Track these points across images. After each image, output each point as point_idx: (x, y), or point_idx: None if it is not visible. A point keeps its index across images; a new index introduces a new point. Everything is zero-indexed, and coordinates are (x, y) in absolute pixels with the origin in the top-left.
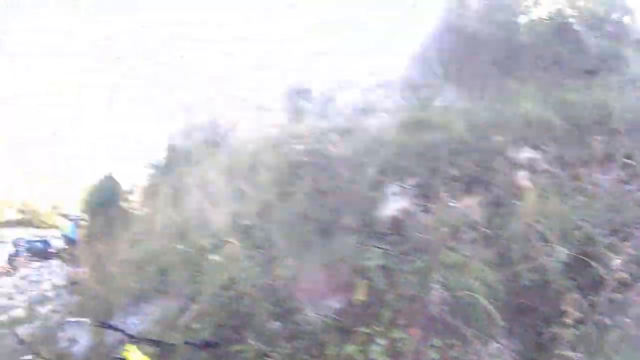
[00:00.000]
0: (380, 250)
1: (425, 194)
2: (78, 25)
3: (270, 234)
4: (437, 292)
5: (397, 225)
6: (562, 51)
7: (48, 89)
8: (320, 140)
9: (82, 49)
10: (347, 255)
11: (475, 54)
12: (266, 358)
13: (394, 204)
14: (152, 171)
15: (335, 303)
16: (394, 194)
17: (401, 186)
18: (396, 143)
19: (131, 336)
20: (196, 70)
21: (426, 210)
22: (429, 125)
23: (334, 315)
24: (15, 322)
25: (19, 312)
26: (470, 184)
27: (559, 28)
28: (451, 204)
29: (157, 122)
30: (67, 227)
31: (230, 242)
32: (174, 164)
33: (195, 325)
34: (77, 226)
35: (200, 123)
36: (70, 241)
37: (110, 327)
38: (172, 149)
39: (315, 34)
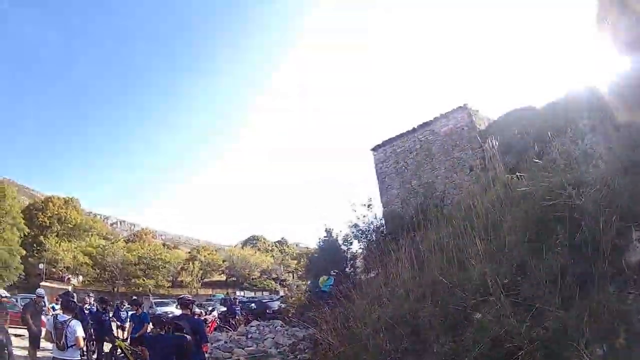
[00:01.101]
0: (635, 295)
1: None
2: None
3: (531, 290)
4: None
5: None
6: None
7: None
8: (558, 195)
9: None
10: (607, 302)
11: None
12: None
13: (639, 249)
14: (372, 237)
15: (599, 349)
16: (637, 239)
17: None
18: (625, 189)
19: None
20: None
21: None
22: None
23: None
24: None
25: None
26: None
27: None
28: None
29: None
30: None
31: (492, 300)
32: (396, 229)
33: None
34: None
35: (414, 189)
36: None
37: None
38: (390, 215)
39: None
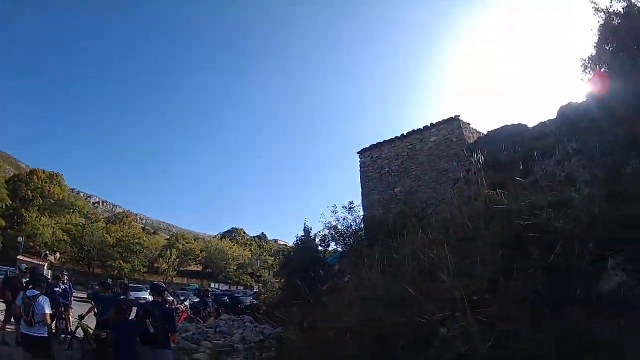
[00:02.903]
0: (605, 324)
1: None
2: None
3: (501, 310)
4: None
5: (618, 299)
6: None
7: None
8: (537, 216)
9: None
10: (576, 329)
11: None
12: None
13: (613, 278)
14: (350, 240)
15: None
16: (612, 267)
17: (617, 261)
18: (605, 216)
19: None
20: None
21: None
22: (628, 197)
23: None
24: None
25: (204, 358)
26: None
27: None
28: None
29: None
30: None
31: (459, 316)
32: (375, 235)
33: None
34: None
35: (397, 196)
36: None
37: None
38: (370, 220)
39: None
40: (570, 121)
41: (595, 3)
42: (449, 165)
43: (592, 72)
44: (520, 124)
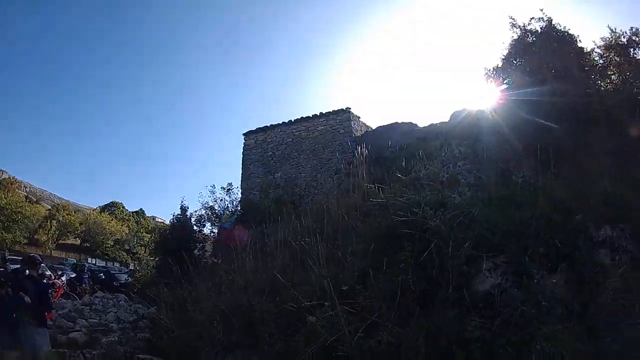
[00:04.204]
0: (477, 323)
1: (515, 270)
2: None
3: (370, 302)
4: None
5: (491, 299)
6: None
7: None
8: (414, 212)
9: None
10: (446, 326)
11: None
12: None
13: (488, 279)
14: (227, 222)
15: None
16: (488, 269)
17: (493, 262)
18: (486, 219)
19: None
20: None
21: (517, 286)
22: (514, 202)
23: None
24: (76, 345)
25: (80, 337)
26: (556, 261)
27: None
28: (538, 281)
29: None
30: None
31: (328, 305)
32: (250, 219)
33: None
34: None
35: (276, 181)
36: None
37: None
38: (248, 203)
39: None
40: (462, 126)
41: (513, 19)
42: (332, 155)
43: (494, 82)
44: (411, 123)
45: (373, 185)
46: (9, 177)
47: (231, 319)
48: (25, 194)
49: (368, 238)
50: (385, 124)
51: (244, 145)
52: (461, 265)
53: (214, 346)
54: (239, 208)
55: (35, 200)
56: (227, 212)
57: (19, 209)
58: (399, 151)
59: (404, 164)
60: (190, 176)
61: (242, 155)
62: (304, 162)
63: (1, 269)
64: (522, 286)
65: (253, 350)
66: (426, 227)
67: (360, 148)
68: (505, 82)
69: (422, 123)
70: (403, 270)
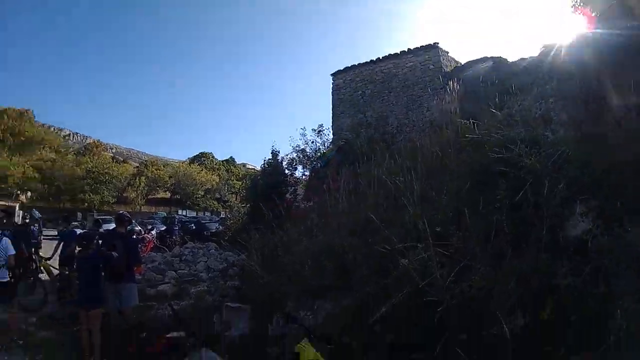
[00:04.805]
0: (567, 270)
1: (606, 216)
2: None
3: (463, 243)
4: (618, 320)
5: (583, 246)
6: None
7: None
8: (509, 149)
9: None
10: (538, 271)
11: None
12: None
13: (580, 223)
14: (317, 164)
15: (521, 319)
16: (581, 213)
17: (586, 206)
18: (578, 159)
19: (308, 331)
20: None
21: (609, 234)
22: (607, 143)
23: (519, 332)
24: (165, 297)
25: (169, 288)
26: None
27: None
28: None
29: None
30: (331, 151)
31: (421, 247)
32: (342, 159)
33: (378, 328)
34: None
35: (367, 120)
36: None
37: (290, 318)
38: (339, 144)
39: None
40: (551, 61)
41: None
42: (422, 92)
43: (583, 14)
44: (500, 57)
45: (466, 121)
46: (94, 141)
47: (322, 262)
48: (112, 154)
49: (462, 175)
50: (474, 58)
51: (333, 86)
52: (556, 206)
53: (304, 291)
54: (331, 149)
55: (122, 159)
56: (319, 153)
57: (105, 170)
58: (490, 86)
59: (496, 99)
60: (280, 121)
61: (331, 96)
62: (394, 100)
63: (92, 229)
64: (611, 235)
65: (344, 293)
66: (521, 165)
67: (451, 83)
68: (595, 14)
69: (511, 58)
70: (498, 210)
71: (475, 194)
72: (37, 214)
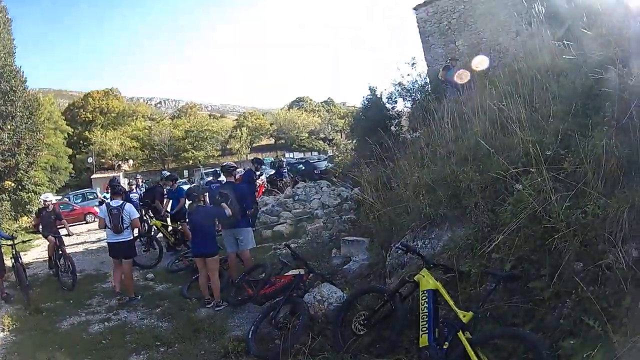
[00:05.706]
0: None
1: None
2: None
3: (575, 167)
4: None
5: None
6: None
7: None
8: (609, 70)
9: None
10: None
11: None
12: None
13: None
14: (417, 95)
15: (635, 250)
16: None
17: None
18: None
19: (426, 260)
20: None
21: None
22: None
23: (632, 264)
24: (282, 237)
25: (284, 228)
26: None
27: None
28: None
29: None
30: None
31: (533, 172)
32: (440, 90)
33: (495, 256)
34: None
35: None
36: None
37: (408, 249)
38: (434, 74)
39: None
40: None
41: None
42: (509, 17)
43: None
44: None
45: (559, 43)
46: (187, 103)
47: (437, 191)
48: (209, 112)
49: (565, 99)
50: None
51: (417, 19)
52: None
53: (420, 221)
54: (427, 80)
55: (220, 115)
56: (417, 84)
57: (205, 127)
58: (574, 6)
59: (585, 18)
60: (372, 60)
61: (418, 29)
62: (482, 27)
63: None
64: None
65: (460, 222)
66: (623, 86)
67: (536, 6)
68: None
69: None
70: (605, 133)
71: (580, 117)
72: (165, 173)
